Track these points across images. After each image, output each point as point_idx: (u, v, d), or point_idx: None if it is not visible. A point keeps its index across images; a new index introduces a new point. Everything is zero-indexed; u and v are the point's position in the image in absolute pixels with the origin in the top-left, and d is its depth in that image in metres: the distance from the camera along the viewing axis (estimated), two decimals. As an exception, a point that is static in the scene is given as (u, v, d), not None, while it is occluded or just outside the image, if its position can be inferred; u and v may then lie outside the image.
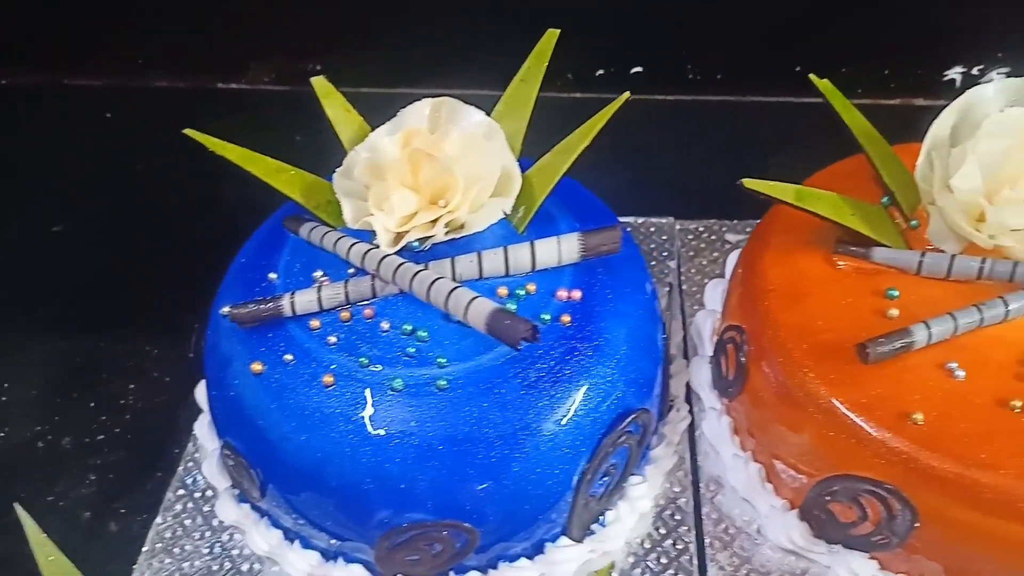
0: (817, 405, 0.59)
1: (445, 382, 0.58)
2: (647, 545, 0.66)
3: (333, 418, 0.58)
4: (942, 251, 0.64)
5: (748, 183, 0.62)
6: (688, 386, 0.74)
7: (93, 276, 0.94)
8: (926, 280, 0.63)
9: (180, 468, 0.73)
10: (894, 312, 0.61)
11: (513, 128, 0.69)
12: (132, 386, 0.82)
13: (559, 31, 0.72)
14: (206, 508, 0.70)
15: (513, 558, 0.63)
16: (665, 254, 0.87)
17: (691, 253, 0.87)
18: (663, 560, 0.65)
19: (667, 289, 0.83)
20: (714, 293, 0.79)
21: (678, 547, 0.65)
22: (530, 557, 0.63)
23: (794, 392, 0.60)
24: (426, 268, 0.60)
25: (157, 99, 1.17)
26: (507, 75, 1.10)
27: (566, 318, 0.61)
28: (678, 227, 0.90)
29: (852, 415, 0.57)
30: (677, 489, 0.69)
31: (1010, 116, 0.62)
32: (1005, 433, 0.55)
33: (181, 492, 0.72)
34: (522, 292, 0.62)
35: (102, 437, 0.79)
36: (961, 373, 0.58)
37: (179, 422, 0.77)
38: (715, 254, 0.87)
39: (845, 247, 0.65)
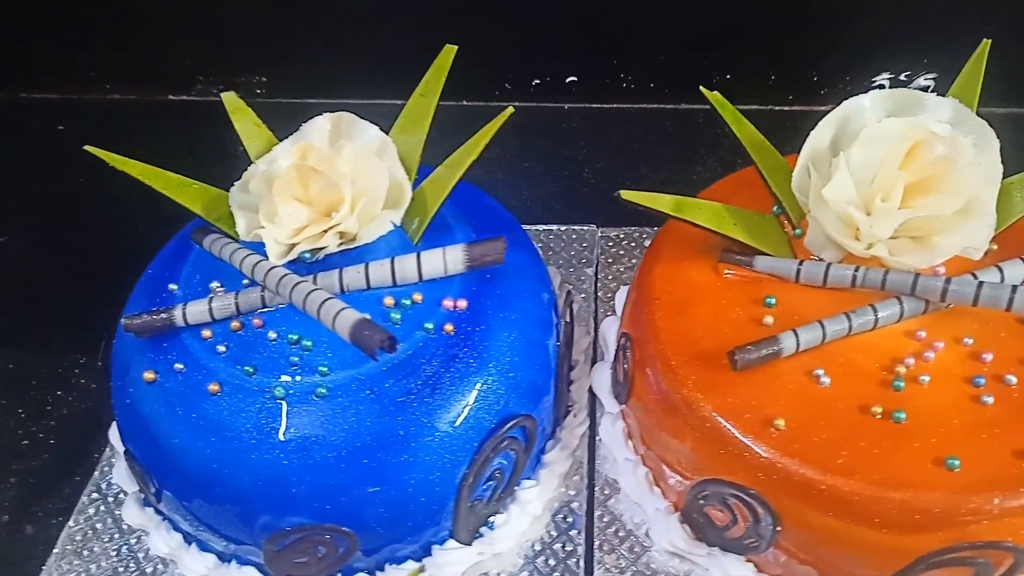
0: (690, 411, 0.60)
1: (325, 390, 0.60)
2: (537, 547, 0.68)
3: (217, 425, 0.60)
4: (822, 260, 0.65)
5: (625, 195, 0.64)
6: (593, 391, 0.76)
7: (27, 286, 0.97)
8: (805, 288, 0.64)
9: (96, 473, 0.75)
10: (769, 320, 0.62)
11: (413, 141, 0.71)
12: (59, 393, 0.84)
13: (456, 48, 0.74)
14: (117, 512, 0.72)
15: (400, 560, 0.64)
16: (584, 261, 0.89)
17: (610, 260, 0.89)
18: (551, 562, 0.67)
19: (582, 296, 0.85)
20: (622, 300, 0.80)
21: (567, 549, 0.67)
22: (418, 559, 0.65)
23: (670, 398, 0.62)
24: (309, 280, 0.62)
25: (109, 111, 1.20)
26: (452, 85, 1.13)
27: (449, 327, 0.63)
28: (599, 234, 0.91)
29: (719, 421, 0.59)
30: (572, 492, 0.70)
31: (884, 127, 0.63)
32: (864, 439, 0.56)
33: (95, 496, 0.74)
34: (408, 302, 0.64)
35: (27, 443, 0.81)
36: (827, 380, 0.59)
37: (101, 428, 0.79)
38: (633, 261, 0.88)
39: (730, 256, 0.67)
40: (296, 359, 0.61)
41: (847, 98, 1.05)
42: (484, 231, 0.70)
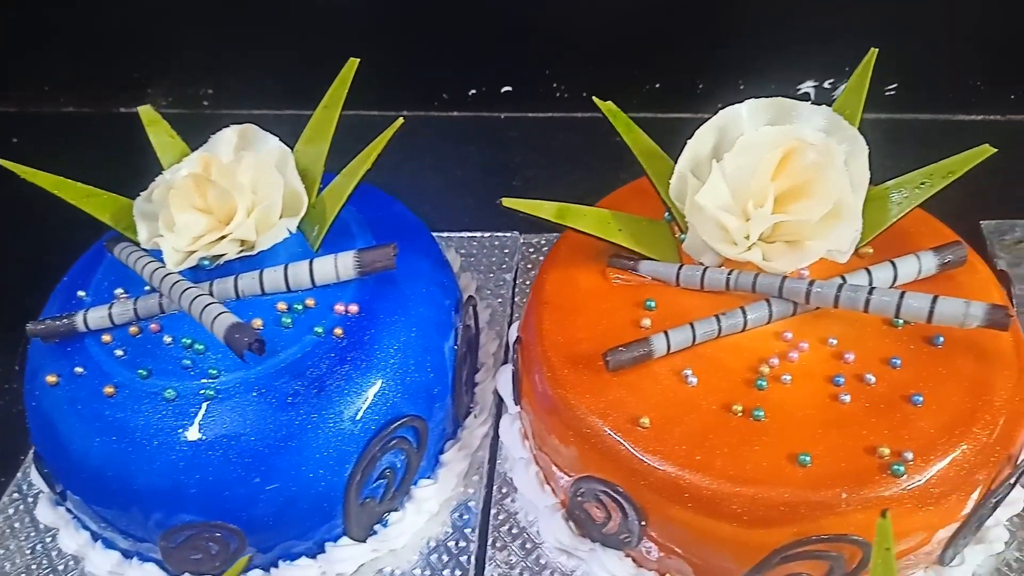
0: (566, 410, 0.62)
1: (213, 391, 0.62)
2: (432, 544, 0.70)
3: (112, 426, 0.62)
4: (703, 264, 0.67)
5: (507, 202, 0.66)
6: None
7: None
8: (685, 292, 0.66)
9: (19, 474, 0.78)
10: (647, 322, 0.64)
11: (317, 151, 0.73)
12: (-9, 396, 0.88)
13: (359, 61, 0.76)
14: (35, 510, 0.75)
15: (294, 557, 0.66)
16: (504, 267, 0.91)
17: (529, 266, 0.91)
18: (444, 558, 0.69)
19: (499, 300, 0.87)
20: (531, 305, 0.83)
21: (460, 546, 0.69)
22: (312, 556, 0.67)
23: (550, 398, 0.64)
24: (201, 286, 0.64)
25: (63, 124, 1.23)
26: (391, 96, 1.16)
27: (339, 331, 0.65)
28: (521, 241, 0.94)
29: (591, 419, 0.61)
30: (471, 491, 0.73)
31: (758, 135, 0.66)
32: (722, 436, 0.58)
33: (15, 496, 0.76)
34: (300, 307, 0.66)
35: (-43, 445, 0.84)
36: (694, 380, 0.61)
37: (26, 430, 0.81)
38: (551, 267, 0.91)
39: (617, 261, 0.69)
40: (188, 362, 0.64)
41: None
42: (386, 237, 0.72)
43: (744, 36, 1.04)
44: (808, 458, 0.56)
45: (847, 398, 0.58)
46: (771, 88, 1.04)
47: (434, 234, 0.90)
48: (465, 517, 0.71)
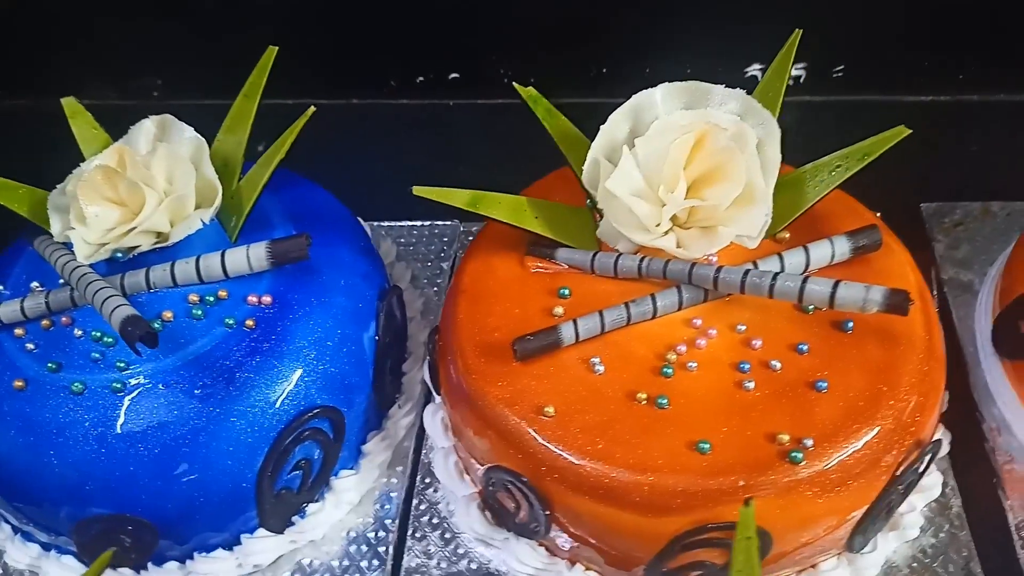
0: (475, 399, 0.62)
1: (121, 385, 0.62)
2: (352, 535, 0.70)
3: (21, 420, 0.62)
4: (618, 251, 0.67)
5: (417, 190, 0.66)
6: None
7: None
8: (600, 279, 0.66)
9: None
10: (560, 310, 0.64)
11: (236, 140, 0.73)
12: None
13: (277, 48, 0.75)
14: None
15: (211, 548, 0.66)
16: (442, 255, 0.90)
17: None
18: (363, 548, 0.69)
19: (435, 290, 0.87)
20: (462, 293, 0.82)
21: (379, 536, 0.69)
22: (228, 548, 0.67)
23: (462, 387, 0.63)
24: (104, 278, 0.64)
25: (10, 117, 1.23)
26: (340, 83, 1.15)
27: (251, 322, 0.65)
28: (461, 229, 0.93)
29: (497, 408, 0.60)
30: (394, 481, 0.72)
31: (671, 120, 0.65)
32: (624, 424, 0.57)
33: (-55, 490, 0.77)
34: (212, 298, 0.66)
35: None
36: (601, 368, 0.60)
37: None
38: (490, 255, 0.90)
39: (535, 249, 0.68)
40: (98, 355, 0.64)
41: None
42: (307, 227, 0.72)
43: (691, 19, 1.03)
44: (708, 445, 0.55)
45: (751, 385, 0.58)
46: (718, 71, 1.03)
47: (372, 223, 0.91)
48: (387, 507, 0.71)
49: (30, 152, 0.85)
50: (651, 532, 0.56)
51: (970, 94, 1.01)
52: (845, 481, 0.55)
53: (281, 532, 0.67)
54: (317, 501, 0.69)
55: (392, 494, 0.71)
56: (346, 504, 0.70)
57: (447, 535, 0.69)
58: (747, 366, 0.59)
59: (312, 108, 0.69)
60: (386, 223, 0.94)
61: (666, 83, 0.67)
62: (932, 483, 0.64)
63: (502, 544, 0.65)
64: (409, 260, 0.89)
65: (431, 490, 0.71)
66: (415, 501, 0.71)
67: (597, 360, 0.61)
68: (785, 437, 0.55)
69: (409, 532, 0.69)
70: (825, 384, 0.57)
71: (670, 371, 0.59)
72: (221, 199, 0.70)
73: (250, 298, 0.66)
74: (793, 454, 0.55)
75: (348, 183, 0.84)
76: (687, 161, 0.64)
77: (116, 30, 1.13)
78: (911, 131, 0.65)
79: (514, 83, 0.73)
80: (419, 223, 0.93)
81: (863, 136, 1.00)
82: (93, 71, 1.16)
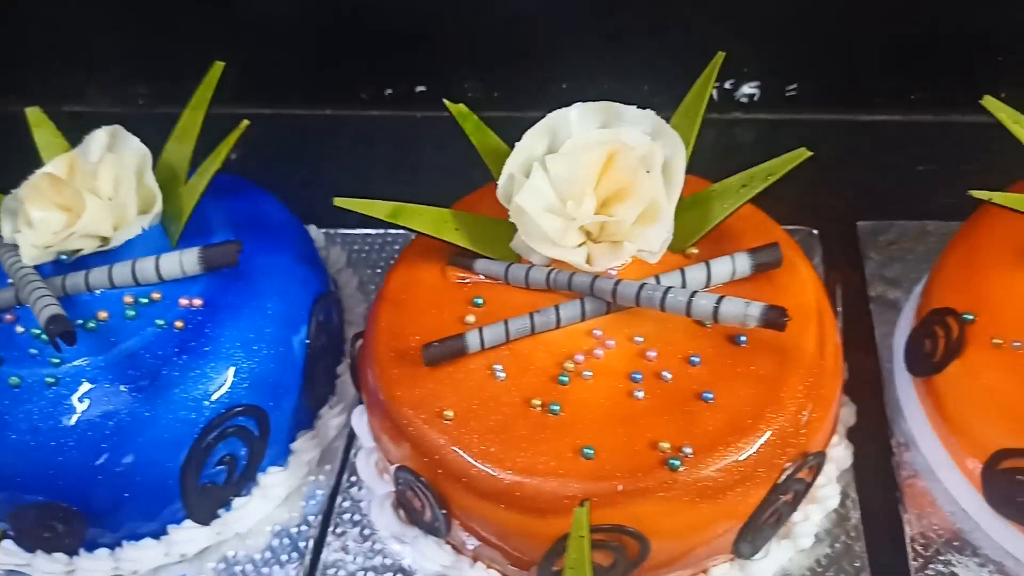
0: (386, 402, 0.65)
1: (53, 379, 0.66)
2: (278, 528, 0.73)
3: (-41, 413, 0.67)
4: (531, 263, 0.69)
5: (338, 202, 0.69)
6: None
7: None
8: (514, 290, 0.68)
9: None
10: (471, 319, 0.66)
11: (184, 150, 0.76)
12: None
13: (224, 64, 0.79)
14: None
15: (139, 537, 0.70)
16: (392, 262, 0.93)
17: (413, 263, 0.94)
18: (285, 542, 0.72)
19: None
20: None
21: (301, 531, 0.72)
22: (156, 537, 0.70)
23: (375, 390, 0.66)
24: (43, 279, 0.68)
25: (9, 123, 1.28)
26: (314, 95, 1.18)
27: (180, 324, 0.68)
28: (413, 237, 0.96)
29: (404, 411, 0.63)
30: (322, 478, 0.75)
31: (583, 138, 0.67)
32: (517, 429, 0.60)
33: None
34: (146, 300, 0.70)
35: None
36: (502, 375, 0.63)
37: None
38: (433, 264, 0.93)
39: (456, 259, 0.71)
40: (35, 351, 0.68)
41: (674, 108, 1.09)
42: (246, 234, 0.75)
43: (648, 39, 1.05)
44: (592, 451, 0.58)
45: (641, 394, 0.60)
46: (675, 89, 1.06)
47: (323, 230, 0.94)
48: (312, 504, 0.74)
49: (7, 157, 0.90)
50: (538, 533, 0.59)
51: (922, 114, 1.02)
52: (723, 489, 0.57)
53: (207, 524, 0.71)
54: (244, 495, 0.72)
55: (318, 491, 0.75)
56: (273, 499, 0.73)
57: (366, 532, 0.71)
58: (639, 376, 0.61)
59: (246, 122, 0.72)
60: (343, 230, 0.97)
61: (580, 103, 0.70)
62: (829, 494, 0.66)
63: (412, 541, 0.68)
64: (360, 267, 0.92)
65: (355, 488, 0.74)
66: (339, 498, 0.74)
67: (499, 367, 0.63)
68: (666, 445, 0.58)
69: (331, 528, 0.72)
70: (711, 395, 0.60)
71: (566, 379, 0.62)
72: (162, 206, 0.75)
73: (182, 300, 0.70)
74: (671, 461, 0.57)
75: (314, 190, 0.87)
76: (598, 178, 0.67)
77: (104, 38, 1.18)
78: (812, 153, 0.67)
79: (444, 100, 0.77)
80: (373, 231, 0.97)
81: (820, 153, 1.02)
82: (82, 79, 1.22)
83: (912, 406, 0.71)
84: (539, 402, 0.61)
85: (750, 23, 1.03)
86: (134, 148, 0.74)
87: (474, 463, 0.59)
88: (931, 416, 0.68)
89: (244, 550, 0.72)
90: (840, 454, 0.68)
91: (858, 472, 0.70)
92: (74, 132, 0.92)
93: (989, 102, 0.68)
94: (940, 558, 0.64)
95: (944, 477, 0.67)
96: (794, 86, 1.04)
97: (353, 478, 0.75)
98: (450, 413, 0.62)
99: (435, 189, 0.90)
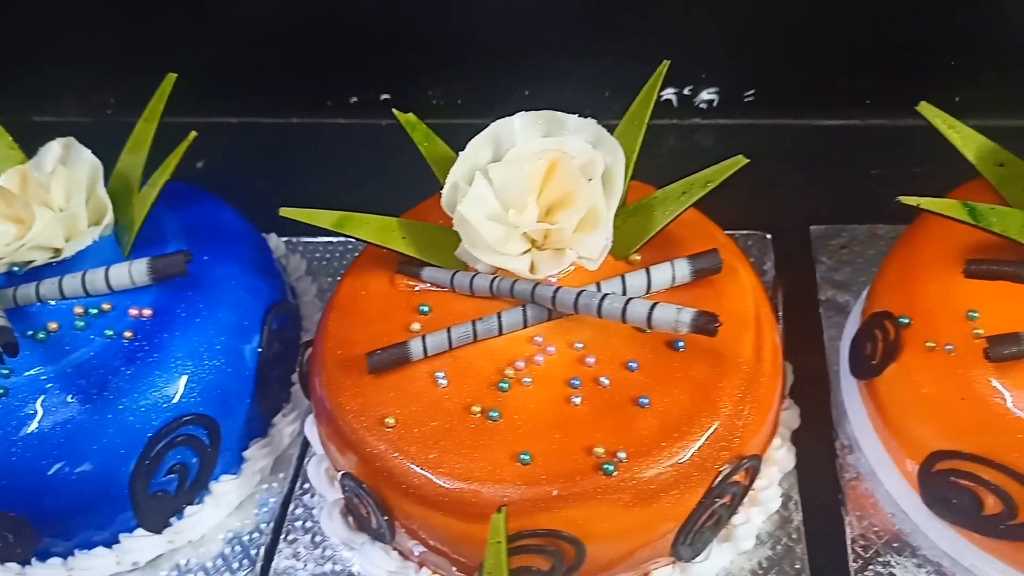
0: (332, 409, 0.66)
1: (3, 390, 0.67)
2: (231, 536, 0.73)
3: (-90, 421, 0.68)
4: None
5: (284, 212, 0.70)
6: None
7: None
8: (460, 297, 0.69)
9: None
10: (417, 326, 0.67)
11: (136, 160, 0.77)
12: None
13: (176, 76, 0.79)
14: None
15: (91, 546, 0.70)
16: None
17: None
18: (237, 549, 0.72)
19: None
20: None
21: (253, 538, 0.73)
22: (108, 546, 0.70)
23: (321, 397, 0.67)
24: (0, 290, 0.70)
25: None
26: (280, 103, 1.19)
27: (129, 334, 0.69)
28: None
29: (347, 418, 0.64)
30: (275, 486, 0.76)
31: (526, 147, 0.68)
32: (456, 435, 0.61)
33: None
34: (96, 311, 0.70)
35: None
36: (444, 382, 0.64)
37: None
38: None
39: (404, 267, 0.72)
40: (-15, 362, 0.69)
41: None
42: (199, 243, 0.76)
43: (609, 45, 1.06)
44: (528, 457, 0.59)
45: (578, 400, 0.61)
46: (633, 96, 1.08)
47: (284, 239, 0.95)
48: (265, 510, 0.74)
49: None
50: (477, 538, 0.59)
51: (878, 118, 1.03)
52: (657, 493, 0.58)
53: (159, 532, 0.71)
54: (196, 504, 0.73)
55: (272, 499, 0.75)
56: (225, 507, 0.74)
57: (317, 538, 0.72)
58: (578, 382, 0.62)
59: (193, 133, 0.73)
60: (305, 238, 0.98)
61: (524, 112, 0.71)
62: (771, 497, 0.67)
63: (360, 548, 0.68)
64: (321, 275, 0.93)
65: (308, 496, 0.75)
66: (292, 506, 0.74)
67: (442, 374, 0.64)
68: (600, 450, 0.58)
69: (283, 535, 0.73)
70: (647, 400, 0.60)
71: (506, 386, 0.63)
72: (116, 217, 0.76)
73: (131, 311, 0.70)
74: (605, 466, 0.58)
75: (279, 198, 0.87)
76: (541, 187, 0.68)
77: (74, 48, 1.19)
78: (749, 160, 0.68)
79: (394, 109, 0.78)
80: (335, 239, 0.97)
81: (774, 158, 1.03)
82: (52, 88, 1.22)
83: (856, 409, 0.72)
84: (479, 409, 0.62)
85: (708, 30, 1.04)
86: (86, 160, 0.75)
87: (413, 469, 0.60)
88: (872, 418, 0.69)
89: (196, 558, 0.72)
90: (783, 456, 0.69)
91: (802, 474, 0.71)
92: (45, 142, 0.93)
93: (925, 108, 0.69)
94: (879, 559, 0.65)
95: (885, 479, 0.68)
96: (752, 92, 1.05)
97: (306, 485, 0.76)
98: (391, 420, 0.62)
99: (400, 196, 0.91)
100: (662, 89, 1.09)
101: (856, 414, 0.72)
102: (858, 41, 1.02)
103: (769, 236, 0.90)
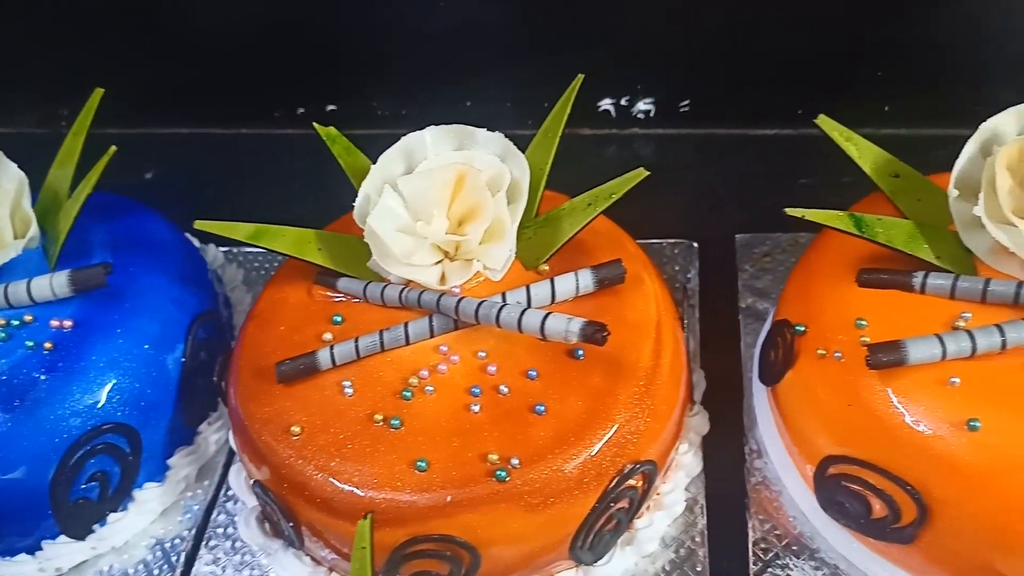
0: (243, 418, 0.67)
1: (-75, 399, 0.69)
2: (154, 542, 0.75)
3: None
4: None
5: (199, 224, 0.71)
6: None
7: None
8: (373, 307, 0.70)
9: None
10: (328, 336, 0.69)
11: (64, 174, 0.79)
12: None
13: (103, 91, 0.81)
14: None
15: (14, 552, 0.72)
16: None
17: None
18: (158, 554, 0.74)
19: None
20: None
21: (176, 543, 0.74)
22: (31, 552, 0.72)
23: (234, 407, 0.69)
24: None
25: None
26: (230, 114, 1.21)
27: (49, 345, 0.70)
28: (308, 256, 0.98)
29: (256, 427, 0.65)
30: (200, 493, 0.78)
31: (435, 161, 0.70)
32: (359, 444, 0.62)
33: None
34: (17, 322, 0.72)
35: None
36: (350, 391, 0.65)
37: None
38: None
39: (321, 278, 0.73)
40: (-92, 373, 0.70)
41: (576, 124, 1.11)
42: (128, 254, 0.78)
43: (552, 56, 1.08)
44: (425, 464, 0.60)
45: (477, 408, 0.62)
46: (576, 107, 1.09)
47: (223, 249, 0.96)
48: (188, 516, 0.76)
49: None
50: (377, 543, 0.60)
51: (808, 128, 1.04)
52: (549, 498, 0.60)
53: (83, 539, 0.73)
54: (120, 511, 0.74)
55: (195, 506, 0.77)
56: (149, 514, 0.75)
57: (237, 544, 0.73)
58: (478, 390, 0.63)
59: (113, 148, 0.74)
60: (247, 249, 0.99)
61: (434, 126, 0.72)
62: (675, 501, 0.68)
63: (274, 554, 0.70)
64: (259, 285, 0.94)
65: (231, 502, 0.76)
66: (215, 512, 0.76)
67: (348, 383, 0.66)
68: (495, 457, 0.60)
69: (204, 542, 0.74)
70: (543, 408, 0.62)
71: (409, 394, 0.64)
72: (44, 229, 0.78)
73: (52, 322, 0.72)
74: (498, 472, 0.59)
75: (227, 208, 0.88)
76: (451, 199, 0.69)
77: (28, 59, 1.20)
78: (648, 173, 0.69)
79: (314, 123, 0.79)
80: (261, 249, 0.99)
81: (708, 167, 1.05)
82: (4, 100, 1.24)
83: (764, 414, 0.73)
84: (381, 417, 0.63)
85: (644, 42, 1.06)
86: (12, 174, 0.77)
87: (315, 477, 0.62)
88: (777, 424, 0.71)
89: (119, 563, 0.74)
90: (689, 461, 0.71)
91: (710, 479, 0.73)
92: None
93: (823, 121, 0.71)
94: (778, 562, 0.67)
95: (788, 483, 0.70)
96: (687, 102, 1.07)
97: (230, 492, 0.77)
98: (297, 429, 0.64)
99: (348, 206, 0.93)
100: (599, 100, 1.14)
101: (764, 420, 0.73)
102: (789, 53, 1.04)
103: (696, 244, 0.93)
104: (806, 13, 1.03)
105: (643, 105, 1.08)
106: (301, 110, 1.17)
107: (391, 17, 1.11)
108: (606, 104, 1.08)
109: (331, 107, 1.16)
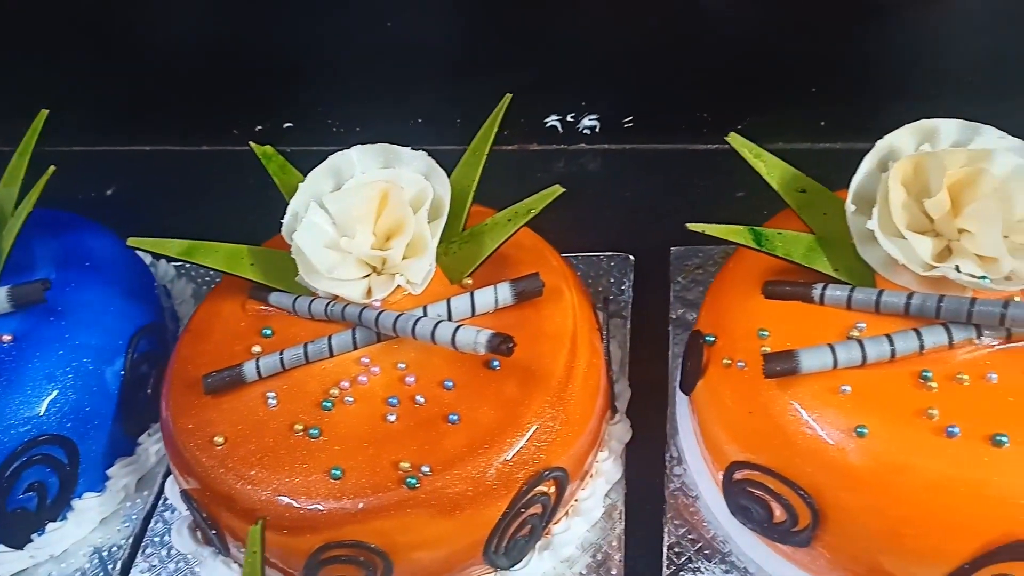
0: (172, 429, 0.69)
1: None
2: (92, 551, 0.77)
3: None
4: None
5: (132, 242, 0.73)
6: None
7: None
8: (304, 321, 0.72)
9: None
10: (258, 349, 0.71)
11: (9, 193, 0.81)
12: None
13: (47, 112, 0.83)
14: None
15: (-44, 561, 0.74)
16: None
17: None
18: (95, 561, 0.76)
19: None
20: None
21: (113, 551, 0.76)
22: (-31, 562, 0.75)
23: (166, 420, 0.71)
24: None
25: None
26: (187, 131, 1.23)
27: (-13, 359, 0.73)
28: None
29: (182, 438, 0.67)
30: (140, 502, 0.79)
31: (360, 179, 0.72)
32: (280, 453, 0.64)
33: None
34: (-43, 337, 0.74)
35: None
36: (274, 402, 0.67)
37: None
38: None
39: (254, 293, 0.75)
40: None
41: (525, 140, 1.13)
42: (72, 270, 0.80)
43: (494, 75, 1.11)
44: (340, 472, 0.62)
45: (393, 417, 0.65)
46: (521, 123, 1.12)
47: (174, 264, 0.98)
48: (127, 525, 0.78)
49: None
50: (294, 549, 0.63)
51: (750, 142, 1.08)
52: (459, 505, 0.62)
53: (21, 548, 0.75)
54: (60, 520, 0.76)
55: (134, 515, 0.79)
56: (88, 523, 0.77)
57: (173, 552, 0.75)
58: (396, 400, 0.66)
59: (52, 168, 0.77)
60: (197, 263, 1.01)
61: (360, 145, 0.75)
62: (592, 507, 0.70)
63: (204, 561, 0.72)
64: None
65: (169, 512, 0.78)
66: (153, 521, 0.78)
67: (272, 395, 0.68)
68: (407, 464, 0.62)
69: (141, 550, 0.76)
70: (457, 417, 0.64)
71: (329, 404, 0.66)
72: (-17, 247, 0.80)
73: (-9, 336, 0.75)
74: (409, 480, 0.61)
75: (185, 224, 0.91)
76: (377, 215, 0.72)
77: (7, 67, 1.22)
78: (564, 189, 0.71)
79: (250, 143, 0.82)
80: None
81: (653, 180, 1.07)
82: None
83: (684, 422, 0.75)
84: (301, 427, 0.65)
85: (588, 61, 1.09)
86: (-43, 193, 0.80)
87: (235, 486, 0.64)
88: (694, 431, 0.73)
89: (58, 572, 0.75)
90: (608, 468, 0.73)
91: (632, 485, 0.75)
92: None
93: (733, 139, 0.73)
94: (691, 565, 0.69)
95: (703, 489, 0.72)
96: (630, 118, 1.09)
97: (168, 501, 0.80)
98: (220, 439, 0.66)
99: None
100: (546, 116, 1.16)
101: (684, 427, 0.75)
102: (728, 71, 1.07)
103: (632, 257, 0.95)
104: (745, 33, 1.06)
105: (588, 121, 1.10)
106: (259, 127, 1.19)
107: (344, 38, 1.14)
108: (553, 120, 1.11)
109: (288, 124, 1.18)
